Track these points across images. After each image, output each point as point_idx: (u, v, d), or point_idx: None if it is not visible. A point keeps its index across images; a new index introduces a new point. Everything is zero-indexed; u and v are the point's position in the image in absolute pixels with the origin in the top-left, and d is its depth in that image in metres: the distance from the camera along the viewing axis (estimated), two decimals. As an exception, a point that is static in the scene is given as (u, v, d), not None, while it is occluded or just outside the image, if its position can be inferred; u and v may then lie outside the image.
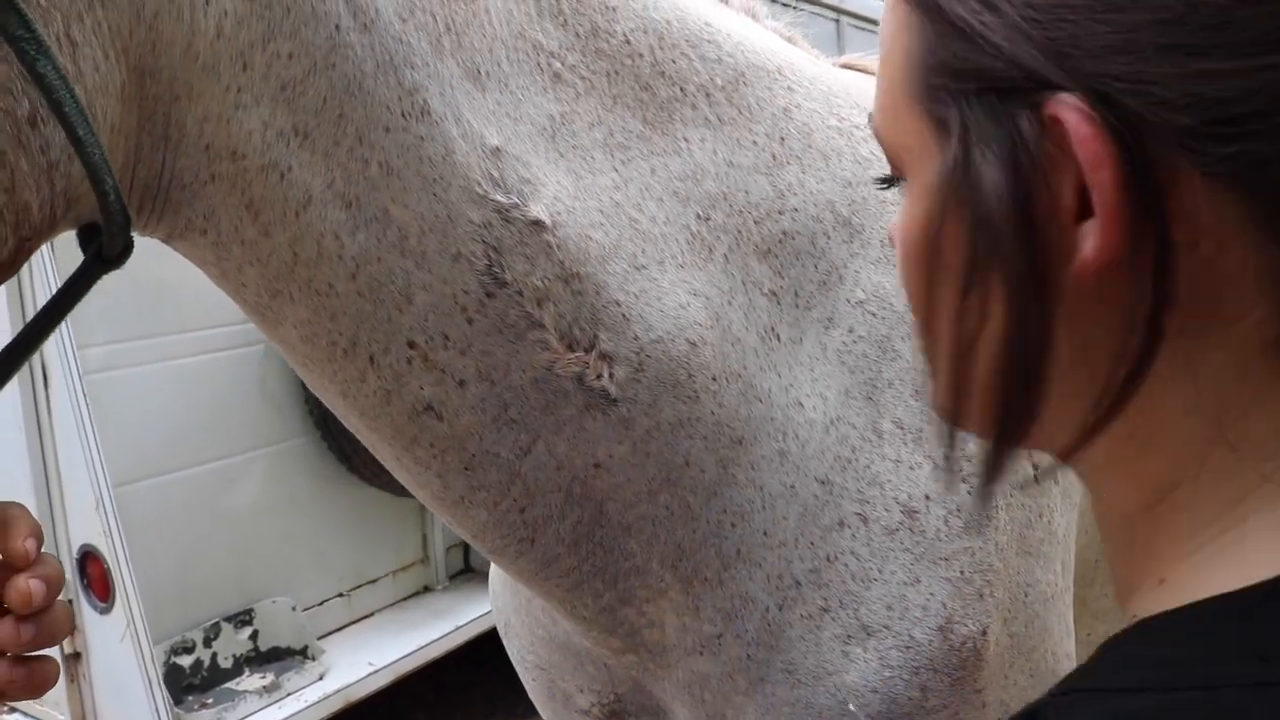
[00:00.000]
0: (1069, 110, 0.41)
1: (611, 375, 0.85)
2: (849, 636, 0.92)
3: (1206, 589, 0.43)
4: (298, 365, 0.85)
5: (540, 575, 0.93)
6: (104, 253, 0.72)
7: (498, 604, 1.27)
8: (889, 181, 0.56)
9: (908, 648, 0.92)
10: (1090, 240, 0.42)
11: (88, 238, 0.74)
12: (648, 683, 1.05)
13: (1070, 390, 0.46)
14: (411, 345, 0.80)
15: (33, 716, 2.71)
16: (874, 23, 4.94)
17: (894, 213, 1.01)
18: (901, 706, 0.92)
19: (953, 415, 0.51)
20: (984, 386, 0.47)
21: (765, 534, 0.91)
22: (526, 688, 1.25)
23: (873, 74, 1.25)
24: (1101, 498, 0.51)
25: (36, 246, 0.69)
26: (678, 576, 0.93)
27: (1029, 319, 0.44)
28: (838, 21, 4.68)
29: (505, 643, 1.26)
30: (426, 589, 3.52)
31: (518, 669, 1.24)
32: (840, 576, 0.92)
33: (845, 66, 1.24)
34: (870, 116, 0.54)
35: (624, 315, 0.84)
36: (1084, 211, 0.42)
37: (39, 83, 0.62)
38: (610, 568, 0.93)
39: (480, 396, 0.83)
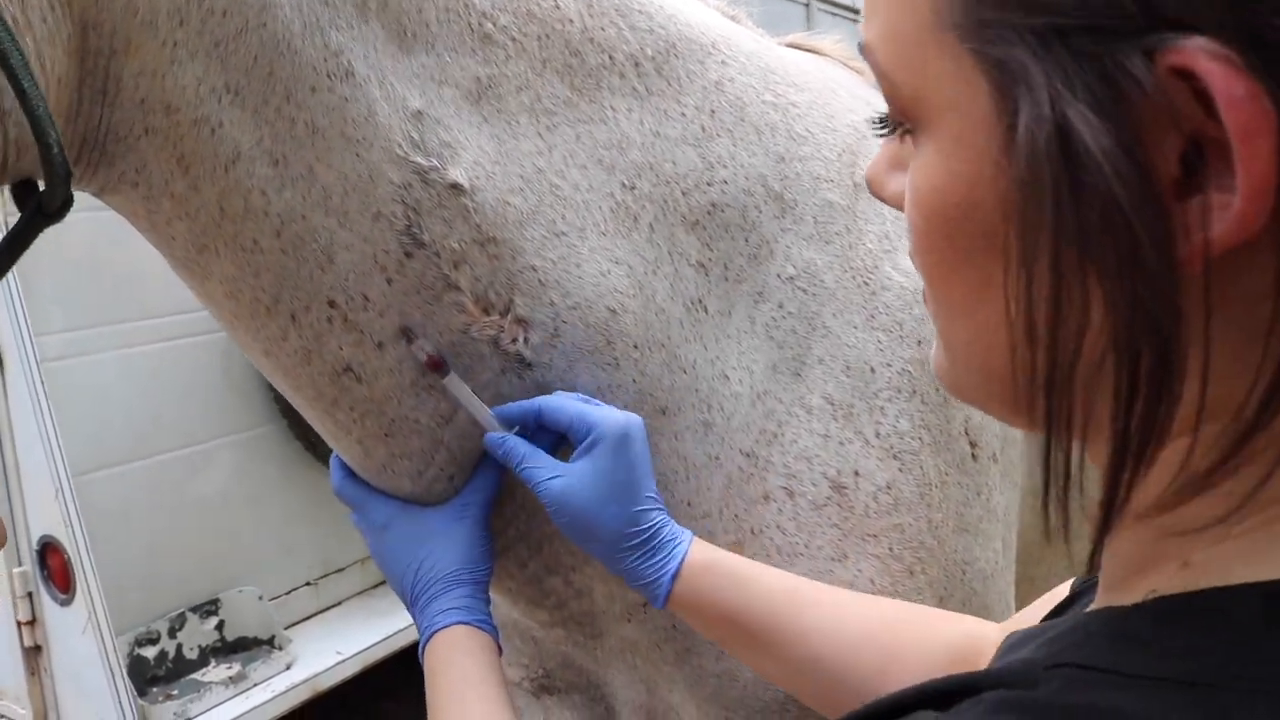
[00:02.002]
0: (1209, 61, 0.32)
1: (527, 340, 0.85)
2: (771, 609, 0.92)
3: (1242, 577, 0.37)
4: (223, 322, 0.86)
5: None
6: (44, 206, 0.72)
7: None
8: (891, 127, 0.46)
9: None
10: (1218, 218, 0.34)
11: (22, 196, 0.74)
12: (577, 657, 1.04)
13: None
14: (332, 304, 0.81)
15: (-7, 709, 2.69)
16: (844, 8, 4.92)
17: (828, 189, 1.00)
18: (827, 680, 0.91)
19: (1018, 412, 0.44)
20: (1084, 396, 0.38)
21: (689, 504, 0.91)
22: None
23: (817, 52, 1.24)
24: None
25: None
26: None
27: (1159, 317, 0.35)
28: (808, 6, 4.66)
29: None
30: (395, 578, 3.49)
31: None
32: (765, 550, 0.91)
33: (790, 45, 1.23)
34: (862, 45, 0.45)
35: (540, 280, 0.84)
36: (1189, 182, 0.34)
37: None
38: (534, 531, 0.93)
39: (398, 359, 0.83)
